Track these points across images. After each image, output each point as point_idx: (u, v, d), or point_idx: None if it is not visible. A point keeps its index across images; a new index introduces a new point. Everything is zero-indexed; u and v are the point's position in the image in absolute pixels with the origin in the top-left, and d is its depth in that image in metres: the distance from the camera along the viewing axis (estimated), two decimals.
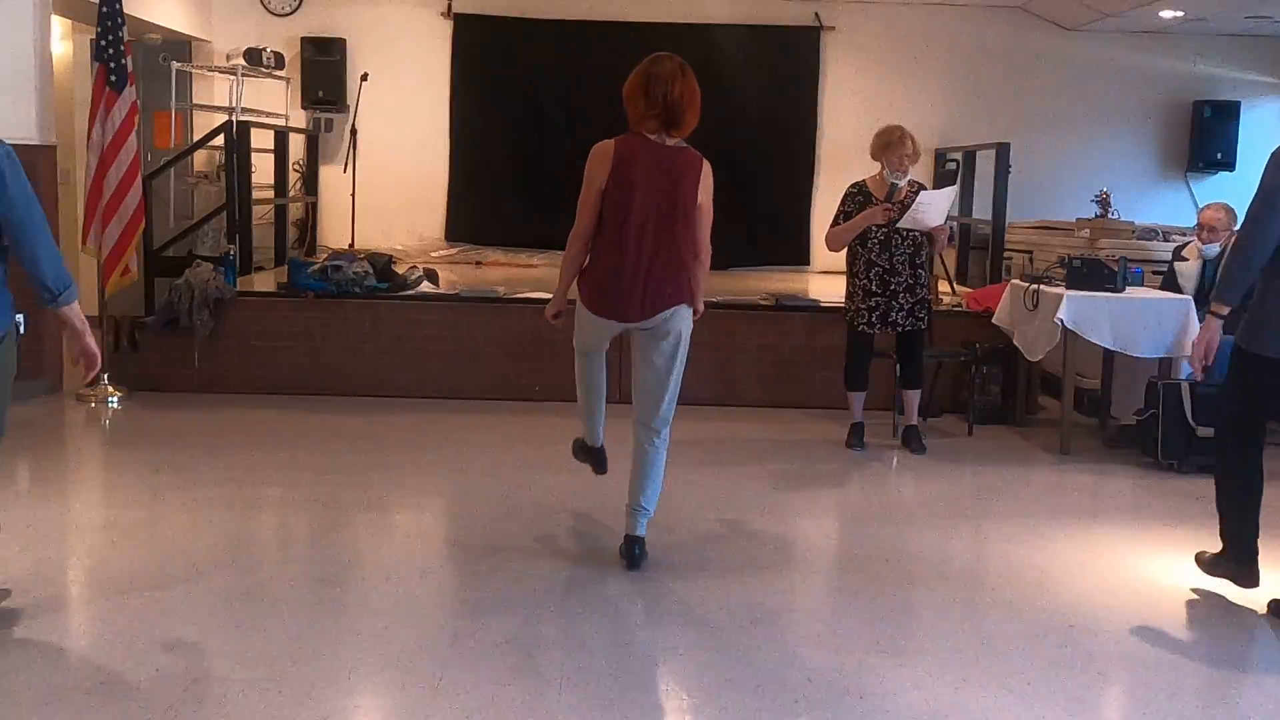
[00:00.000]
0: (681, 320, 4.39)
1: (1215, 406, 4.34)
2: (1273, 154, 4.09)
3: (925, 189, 6.42)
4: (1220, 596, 4.36)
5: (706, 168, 4.36)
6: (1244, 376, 4.25)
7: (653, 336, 4.38)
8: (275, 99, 10.42)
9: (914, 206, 6.19)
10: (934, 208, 6.26)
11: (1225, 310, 4.20)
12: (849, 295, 6.53)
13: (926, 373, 6.80)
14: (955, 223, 7.04)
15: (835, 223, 6.46)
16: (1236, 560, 4.34)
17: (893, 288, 6.34)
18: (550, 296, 4.63)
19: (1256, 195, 4.12)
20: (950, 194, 6.57)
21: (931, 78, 10.63)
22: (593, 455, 4.94)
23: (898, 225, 6.26)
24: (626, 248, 4.27)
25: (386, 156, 10.45)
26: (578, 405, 4.80)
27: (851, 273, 6.50)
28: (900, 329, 6.42)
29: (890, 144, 6.29)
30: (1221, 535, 4.41)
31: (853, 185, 6.49)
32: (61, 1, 8.05)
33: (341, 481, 5.61)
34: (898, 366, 6.63)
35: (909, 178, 6.38)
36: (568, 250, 4.41)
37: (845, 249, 6.49)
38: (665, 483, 4.54)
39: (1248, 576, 4.32)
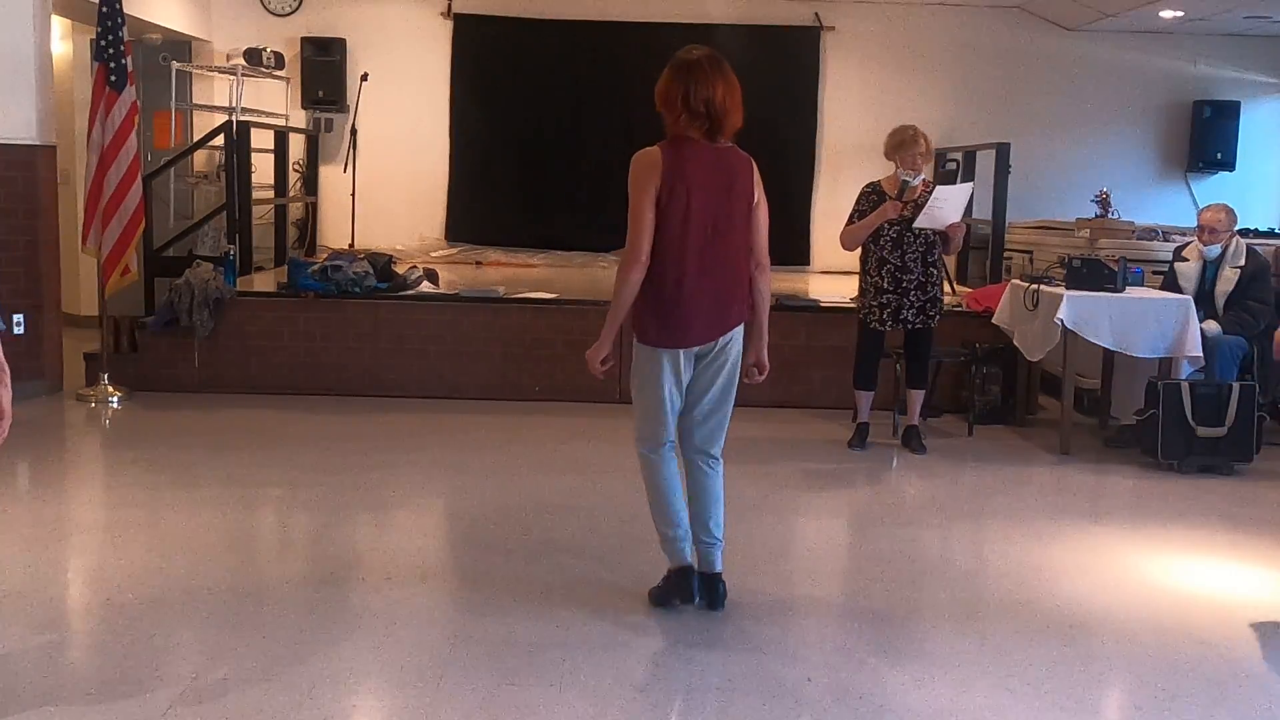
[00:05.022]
0: (739, 340, 4.02)
1: None
2: None
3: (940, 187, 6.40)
4: (1220, 596, 4.36)
5: (754, 166, 3.97)
6: None
7: (712, 362, 3.98)
8: (275, 99, 10.42)
9: (929, 203, 6.14)
10: (950, 204, 6.21)
11: None
12: (861, 292, 6.52)
13: (926, 373, 6.79)
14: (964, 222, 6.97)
15: (850, 221, 6.44)
16: None
17: (904, 285, 6.32)
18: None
19: None
20: (967, 190, 6.49)
21: (931, 78, 10.62)
22: (680, 579, 4.07)
23: (914, 225, 6.22)
24: (687, 264, 3.84)
25: (386, 157, 10.45)
26: (654, 514, 4.10)
27: (864, 270, 6.49)
28: (911, 326, 6.40)
29: (903, 143, 6.29)
30: None
31: (868, 185, 6.48)
32: (61, 1, 8.05)
33: (341, 481, 5.61)
34: (900, 365, 6.64)
35: (921, 176, 6.37)
36: (626, 277, 3.85)
37: (859, 248, 6.48)
38: None
39: None
